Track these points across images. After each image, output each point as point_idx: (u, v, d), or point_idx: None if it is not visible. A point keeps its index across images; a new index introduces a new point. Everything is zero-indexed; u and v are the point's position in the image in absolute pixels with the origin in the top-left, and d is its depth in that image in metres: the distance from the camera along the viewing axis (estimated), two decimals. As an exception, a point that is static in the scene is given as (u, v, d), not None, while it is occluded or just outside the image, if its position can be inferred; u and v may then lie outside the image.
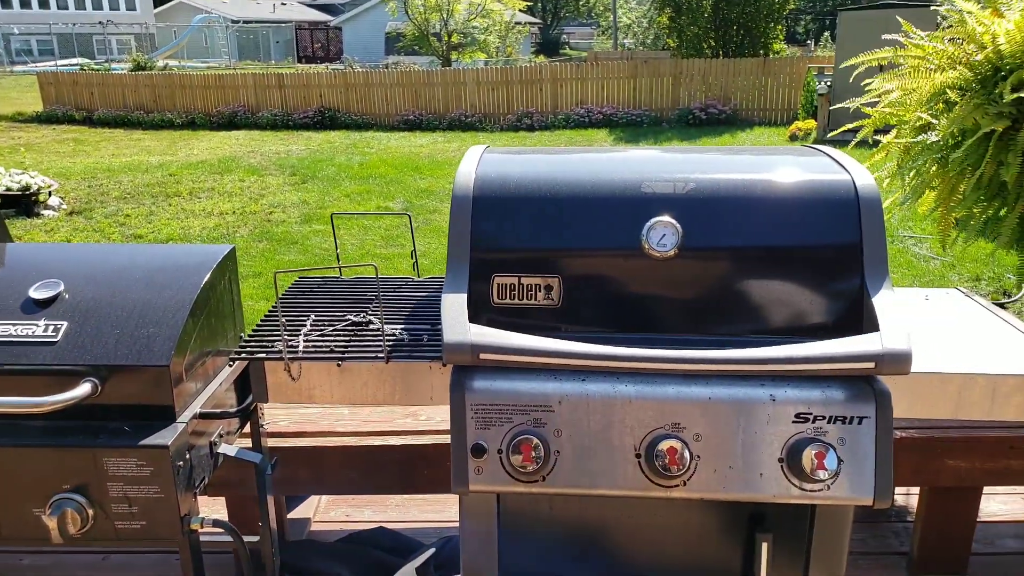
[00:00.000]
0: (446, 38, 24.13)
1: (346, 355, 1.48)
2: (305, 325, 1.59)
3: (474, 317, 1.35)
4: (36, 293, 1.49)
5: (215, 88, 17.43)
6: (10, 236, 2.00)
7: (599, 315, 1.41)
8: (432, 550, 2.01)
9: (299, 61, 37.24)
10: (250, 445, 1.84)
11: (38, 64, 31.18)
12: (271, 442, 2.04)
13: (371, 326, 1.60)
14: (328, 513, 2.56)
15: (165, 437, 1.36)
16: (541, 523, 1.45)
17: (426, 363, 1.48)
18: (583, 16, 53.88)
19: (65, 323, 1.45)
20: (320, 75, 17.64)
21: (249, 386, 1.79)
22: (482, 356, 1.28)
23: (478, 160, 1.55)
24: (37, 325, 1.44)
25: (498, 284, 1.41)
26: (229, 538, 2.01)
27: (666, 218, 1.38)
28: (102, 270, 1.60)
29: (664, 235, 1.37)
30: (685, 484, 1.28)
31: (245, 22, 39.35)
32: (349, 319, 1.61)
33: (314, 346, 1.51)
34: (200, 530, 1.45)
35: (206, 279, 1.56)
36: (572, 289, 1.40)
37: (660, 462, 1.27)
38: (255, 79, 17.44)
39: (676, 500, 1.35)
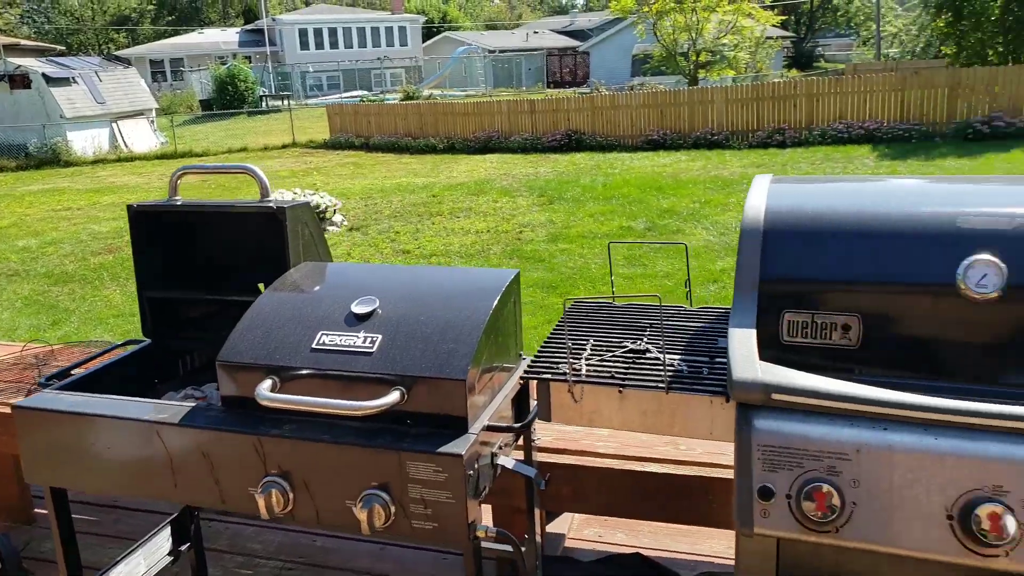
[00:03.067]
0: (694, 57, 23.79)
1: (627, 382, 1.51)
2: (585, 349, 1.66)
3: (761, 354, 1.32)
4: (357, 308, 1.70)
5: (473, 115, 18.76)
6: (330, 254, 2.31)
7: (902, 359, 1.31)
8: (693, 584, 1.97)
9: (548, 86, 38.86)
10: (522, 458, 1.95)
11: (327, 97, 35.81)
12: (534, 456, 2.14)
13: (648, 354, 1.62)
14: (582, 531, 2.61)
15: (459, 446, 1.47)
16: (821, 577, 1.37)
17: (707, 397, 1.47)
18: (841, 27, 50.21)
19: (380, 336, 1.63)
20: (568, 99, 18.28)
21: (525, 402, 1.90)
22: (774, 396, 1.25)
23: (767, 191, 1.51)
24: (358, 336, 1.64)
25: (788, 321, 1.36)
26: (495, 545, 2.14)
27: (987, 256, 1.25)
28: (409, 289, 1.79)
29: (985, 275, 1.25)
30: (1008, 555, 1.14)
31: (500, 51, 41.96)
32: (626, 346, 1.65)
33: (595, 371, 1.56)
34: (483, 537, 1.55)
35: (497, 300, 1.69)
36: (872, 329, 1.31)
37: (977, 527, 1.14)
38: (508, 105, 18.51)
39: (994, 573, 1.21)
